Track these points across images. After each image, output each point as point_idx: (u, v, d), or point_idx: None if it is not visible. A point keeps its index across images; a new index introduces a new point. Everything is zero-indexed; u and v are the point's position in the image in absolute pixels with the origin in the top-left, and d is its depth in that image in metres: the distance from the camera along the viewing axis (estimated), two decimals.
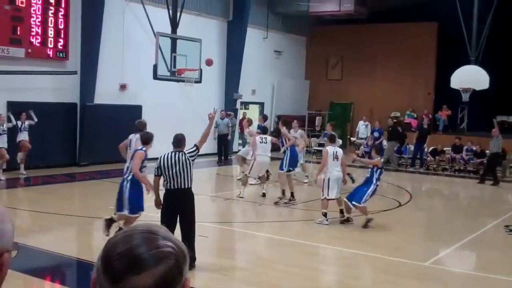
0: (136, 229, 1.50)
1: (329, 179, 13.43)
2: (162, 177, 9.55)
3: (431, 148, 25.71)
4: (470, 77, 23.45)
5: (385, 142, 26.84)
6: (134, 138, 12.64)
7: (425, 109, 29.97)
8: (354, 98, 32.51)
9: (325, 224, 13.40)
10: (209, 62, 19.61)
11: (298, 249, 11.63)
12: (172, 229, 8.40)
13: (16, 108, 19.30)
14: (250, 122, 20.04)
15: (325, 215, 13.47)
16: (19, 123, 18.84)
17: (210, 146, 23.11)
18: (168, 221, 8.98)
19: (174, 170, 9.33)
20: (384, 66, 31.72)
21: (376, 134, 26.33)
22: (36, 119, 19.10)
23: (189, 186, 9.50)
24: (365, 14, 29.79)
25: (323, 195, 13.55)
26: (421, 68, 30.84)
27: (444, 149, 25.53)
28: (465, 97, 23.83)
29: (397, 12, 30.01)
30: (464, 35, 25.64)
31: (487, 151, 23.37)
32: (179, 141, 9.71)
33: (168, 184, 9.44)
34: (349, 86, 32.66)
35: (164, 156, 9.49)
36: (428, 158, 25.69)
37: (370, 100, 31.57)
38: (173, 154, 9.49)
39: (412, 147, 26.12)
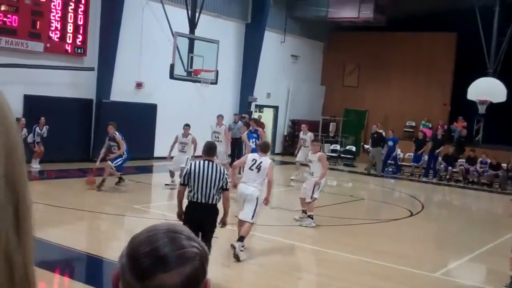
0: (160, 228, 1.52)
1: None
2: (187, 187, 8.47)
3: (442, 155, 25.71)
4: (488, 89, 23.30)
5: (399, 151, 26.87)
6: None
7: (441, 120, 29.85)
8: (370, 106, 32.41)
9: (312, 227, 13.51)
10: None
11: (305, 254, 11.62)
12: None
13: (32, 102, 19.44)
14: (247, 125, 20.00)
15: (311, 217, 13.55)
16: (38, 130, 18.90)
17: None
18: None
19: (203, 181, 8.29)
20: (401, 74, 31.61)
21: (390, 143, 26.39)
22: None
23: (216, 202, 8.47)
24: (384, 22, 29.70)
25: (311, 197, 13.51)
26: (438, 78, 30.69)
27: (459, 160, 25.45)
28: (482, 109, 23.69)
29: (416, 21, 29.91)
30: (483, 47, 25.51)
31: (503, 164, 23.28)
32: (211, 150, 8.77)
33: (194, 196, 8.38)
34: (365, 93, 32.57)
35: (195, 163, 8.45)
36: (442, 166, 25.60)
37: (385, 108, 31.47)
38: (205, 163, 8.40)
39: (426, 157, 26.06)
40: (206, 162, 8.37)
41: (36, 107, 19.27)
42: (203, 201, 8.27)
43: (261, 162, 10.82)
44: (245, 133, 19.10)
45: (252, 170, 10.82)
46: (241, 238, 10.53)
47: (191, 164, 8.48)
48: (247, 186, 10.77)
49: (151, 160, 23.47)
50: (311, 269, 10.63)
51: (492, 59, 26.00)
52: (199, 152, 16.22)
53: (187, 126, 17.79)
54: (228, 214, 8.64)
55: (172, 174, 17.45)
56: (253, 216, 10.61)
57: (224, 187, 8.30)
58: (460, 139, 26.62)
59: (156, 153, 23.85)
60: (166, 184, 17.51)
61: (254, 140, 18.64)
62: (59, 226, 12.57)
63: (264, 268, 10.64)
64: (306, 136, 20.17)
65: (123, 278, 1.47)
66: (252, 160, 10.92)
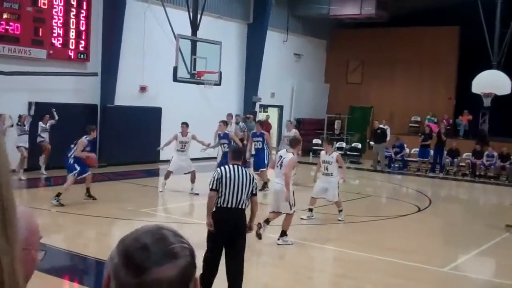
0: (147, 228, 1.56)
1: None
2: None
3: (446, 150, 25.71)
4: (492, 82, 23.19)
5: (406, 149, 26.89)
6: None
7: (446, 114, 29.80)
8: (374, 102, 32.36)
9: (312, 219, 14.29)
10: None
11: (315, 252, 11.61)
12: (219, 255, 7.94)
13: (36, 109, 19.50)
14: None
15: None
16: (42, 125, 19.03)
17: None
18: (214, 247, 8.01)
19: (234, 185, 7.98)
20: (405, 70, 31.56)
21: (397, 150, 26.64)
22: (57, 117, 19.28)
23: (245, 207, 8.17)
24: (386, 18, 29.65)
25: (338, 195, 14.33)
26: (442, 72, 30.64)
27: (465, 154, 25.41)
28: (487, 102, 23.59)
29: (418, 16, 29.84)
30: (486, 39, 25.42)
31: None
32: (238, 153, 8.61)
33: (224, 201, 8.01)
34: (369, 90, 32.52)
35: (225, 168, 8.13)
36: (447, 160, 25.57)
37: (390, 104, 31.42)
38: (234, 167, 8.13)
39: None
40: (236, 166, 8.15)
41: (40, 114, 19.30)
42: (234, 206, 8.00)
43: (284, 158, 11.56)
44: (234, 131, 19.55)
45: (278, 166, 11.76)
46: (282, 233, 11.64)
47: (221, 169, 8.18)
48: (276, 183, 11.84)
49: (157, 164, 23.47)
50: (321, 267, 10.62)
51: (496, 52, 25.90)
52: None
53: (184, 124, 17.65)
54: (254, 220, 8.52)
55: (167, 176, 17.28)
56: (291, 207, 11.44)
57: (254, 191, 8.16)
58: (482, 132, 26.55)
59: (162, 157, 23.85)
60: (160, 191, 17.29)
61: (260, 142, 18.66)
62: (66, 232, 12.60)
63: (274, 267, 10.65)
64: (291, 133, 19.97)
65: (116, 279, 1.49)
66: (279, 157, 11.84)
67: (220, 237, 7.92)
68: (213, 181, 8.00)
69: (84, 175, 14.84)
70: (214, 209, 8.08)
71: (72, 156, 14.57)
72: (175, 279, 1.46)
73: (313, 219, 14.35)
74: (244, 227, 8.13)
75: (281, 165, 11.55)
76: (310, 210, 14.39)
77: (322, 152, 14.68)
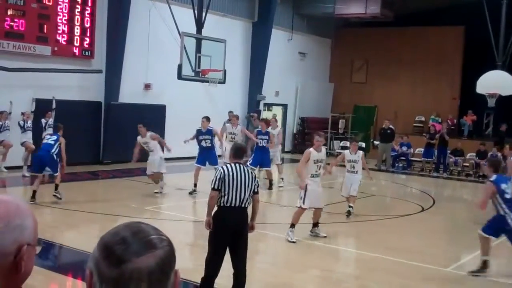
0: (126, 224, 1.62)
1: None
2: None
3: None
4: (497, 82, 23.16)
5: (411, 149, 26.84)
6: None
7: (450, 114, 29.76)
8: (379, 102, 32.34)
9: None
10: None
11: (319, 251, 11.59)
12: (222, 256, 7.81)
13: (41, 105, 19.51)
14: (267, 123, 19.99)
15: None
16: (43, 121, 19.03)
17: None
18: (218, 247, 7.83)
19: (238, 184, 7.80)
20: (410, 69, 31.52)
21: (405, 148, 26.62)
22: (54, 106, 19.28)
23: (247, 206, 7.99)
24: (391, 17, 29.62)
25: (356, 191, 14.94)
26: (447, 72, 30.59)
27: (469, 155, 25.37)
28: (491, 102, 23.55)
29: (423, 16, 29.81)
30: (491, 39, 25.38)
31: None
32: (240, 151, 8.35)
33: (227, 200, 7.80)
34: (374, 89, 32.49)
35: (227, 167, 7.95)
36: (451, 159, 25.54)
37: (394, 103, 31.39)
38: (236, 166, 7.95)
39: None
40: (237, 165, 7.96)
41: (45, 110, 19.31)
42: (237, 205, 7.82)
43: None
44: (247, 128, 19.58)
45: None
46: (315, 224, 12.43)
47: (222, 168, 7.99)
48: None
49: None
50: (325, 266, 10.60)
51: (501, 52, 25.86)
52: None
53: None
54: (256, 218, 8.30)
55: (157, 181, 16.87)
56: (303, 201, 11.88)
57: (256, 190, 8.01)
58: (499, 133, 26.51)
59: (166, 154, 23.85)
60: (155, 192, 16.82)
61: (265, 141, 18.66)
62: (71, 229, 12.60)
63: (278, 267, 10.64)
64: (275, 131, 19.77)
65: (98, 273, 1.53)
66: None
67: (224, 236, 7.77)
68: (215, 180, 7.83)
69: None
70: (216, 209, 7.94)
71: (56, 153, 14.22)
72: (155, 268, 1.49)
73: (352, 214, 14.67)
74: (246, 226, 8.02)
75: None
76: (351, 207, 14.72)
77: (347, 152, 15.16)
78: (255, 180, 8.04)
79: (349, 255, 11.63)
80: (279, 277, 9.93)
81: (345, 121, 31.93)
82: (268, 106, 30.45)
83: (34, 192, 14.07)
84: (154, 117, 23.30)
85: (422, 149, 26.50)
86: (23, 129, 18.50)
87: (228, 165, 8.06)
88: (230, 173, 7.82)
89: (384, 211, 16.46)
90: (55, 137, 14.47)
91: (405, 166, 26.99)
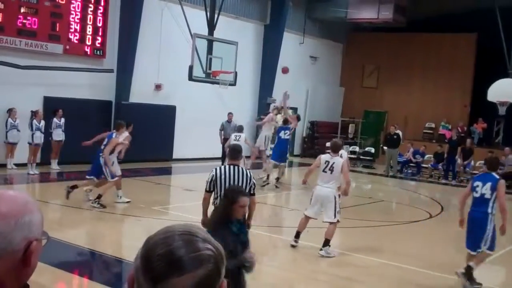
0: (175, 230, 1.53)
1: None
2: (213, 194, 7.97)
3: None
4: (508, 90, 23.04)
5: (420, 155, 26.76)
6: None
7: (461, 121, 29.66)
8: (389, 107, 32.26)
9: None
10: (285, 71, 20.09)
11: (325, 256, 11.57)
12: None
13: (52, 103, 19.55)
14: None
15: None
16: (56, 120, 19.09)
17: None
18: None
19: (230, 184, 7.67)
20: (421, 76, 31.43)
21: (418, 157, 26.59)
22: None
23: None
24: (403, 23, 29.54)
25: None
26: (458, 79, 30.48)
27: (478, 162, 25.27)
28: (502, 110, 23.45)
29: (435, 22, 29.72)
30: (504, 47, 25.27)
31: None
32: (236, 153, 8.23)
33: (220, 201, 7.57)
34: (384, 94, 32.43)
35: (220, 168, 7.93)
36: (461, 167, 25.44)
37: (404, 109, 31.31)
38: (230, 167, 7.89)
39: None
40: (232, 166, 7.92)
41: (55, 108, 19.35)
42: None
43: (333, 163, 11.14)
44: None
45: (326, 172, 11.20)
46: (326, 242, 11.12)
47: (215, 170, 7.95)
48: (322, 188, 11.26)
49: (170, 162, 23.53)
50: (330, 271, 10.58)
51: None
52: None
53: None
54: (252, 217, 8.11)
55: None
56: (335, 216, 11.13)
57: (252, 192, 7.81)
58: (451, 138, 26.44)
59: (175, 155, 23.92)
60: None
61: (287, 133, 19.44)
62: (78, 227, 12.63)
63: (283, 271, 10.63)
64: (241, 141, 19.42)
65: (137, 280, 1.48)
66: (325, 162, 11.23)
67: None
68: (207, 182, 7.87)
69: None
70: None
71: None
72: None
73: None
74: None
75: (331, 170, 11.15)
76: None
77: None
78: (250, 181, 7.87)
79: (354, 260, 11.58)
80: (282, 280, 9.91)
81: (355, 126, 31.87)
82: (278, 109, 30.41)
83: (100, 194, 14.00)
84: (163, 117, 23.38)
85: (431, 156, 26.43)
86: (35, 129, 18.40)
87: (222, 166, 8.03)
88: (223, 175, 7.80)
89: (391, 217, 16.44)
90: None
91: (414, 172, 26.92)
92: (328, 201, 11.14)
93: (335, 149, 11.44)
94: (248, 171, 8.03)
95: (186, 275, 1.43)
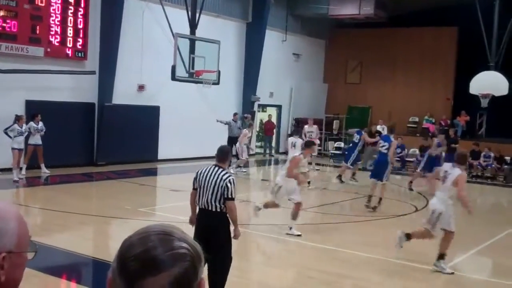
0: (151, 230, 1.51)
1: None
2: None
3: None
4: (489, 83, 23.25)
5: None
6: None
7: (444, 115, 29.82)
8: (373, 102, 32.39)
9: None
10: None
11: (314, 252, 11.59)
12: None
13: (34, 107, 19.36)
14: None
15: None
16: (33, 124, 18.56)
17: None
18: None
19: (204, 186, 7.74)
20: (403, 70, 31.60)
21: (398, 150, 26.63)
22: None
23: (220, 210, 7.70)
24: (385, 18, 29.68)
25: None
26: (440, 73, 30.68)
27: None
28: (484, 103, 23.65)
29: (416, 16, 29.89)
30: (484, 40, 25.44)
31: (506, 157, 23.26)
32: (223, 154, 8.07)
33: (199, 202, 7.86)
34: (368, 90, 32.55)
35: (204, 168, 7.92)
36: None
37: (388, 104, 31.45)
38: (211, 168, 7.84)
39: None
40: (213, 167, 7.83)
41: (38, 112, 19.16)
42: (203, 207, 7.78)
43: (449, 174, 10.46)
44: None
45: (441, 181, 10.70)
46: (441, 256, 10.51)
47: (200, 169, 7.99)
48: (434, 199, 10.81)
49: (155, 163, 23.46)
50: (320, 267, 10.58)
51: (494, 53, 25.92)
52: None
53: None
54: (236, 225, 7.94)
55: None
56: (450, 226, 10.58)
57: (225, 196, 7.64)
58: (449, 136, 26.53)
59: (160, 156, 23.84)
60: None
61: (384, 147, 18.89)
62: (65, 231, 12.55)
63: (274, 267, 10.62)
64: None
65: (114, 281, 1.46)
66: (444, 172, 10.68)
67: (197, 237, 7.25)
68: (193, 180, 8.01)
69: None
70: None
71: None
72: (167, 287, 1.42)
73: None
74: (218, 232, 7.71)
75: (444, 180, 10.52)
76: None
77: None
78: (223, 185, 7.63)
79: (343, 255, 11.60)
80: (274, 277, 9.90)
81: (339, 121, 31.94)
82: (263, 107, 30.48)
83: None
84: (147, 118, 23.31)
85: (416, 149, 26.51)
86: (17, 133, 17.91)
87: (207, 166, 7.99)
88: (201, 175, 7.86)
89: (378, 212, 16.45)
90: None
91: (399, 167, 27.02)
92: (436, 213, 10.67)
93: (460, 161, 10.78)
94: (227, 175, 7.76)
95: (162, 274, 1.41)
